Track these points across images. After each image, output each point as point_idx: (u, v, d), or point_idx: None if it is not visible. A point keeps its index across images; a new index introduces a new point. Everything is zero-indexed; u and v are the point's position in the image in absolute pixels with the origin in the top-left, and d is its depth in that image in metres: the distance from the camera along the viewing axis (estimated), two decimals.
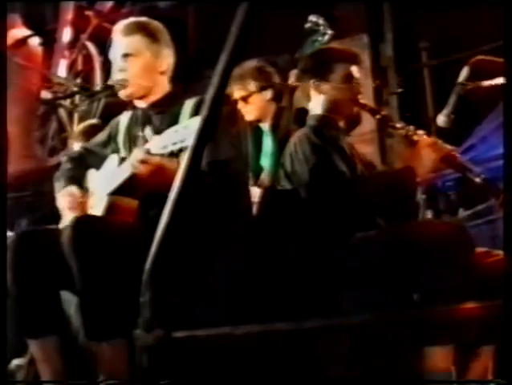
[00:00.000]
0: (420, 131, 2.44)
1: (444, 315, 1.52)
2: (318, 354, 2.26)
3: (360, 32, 4.54)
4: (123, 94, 2.55)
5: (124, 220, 2.37)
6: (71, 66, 5.51)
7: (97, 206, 2.45)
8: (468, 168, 2.39)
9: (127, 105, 2.66)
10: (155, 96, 2.55)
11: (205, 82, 1.51)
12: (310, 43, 3.78)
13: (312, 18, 3.76)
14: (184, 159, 1.45)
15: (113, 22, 2.79)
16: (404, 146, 2.77)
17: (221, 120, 1.54)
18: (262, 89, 3.23)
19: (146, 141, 2.35)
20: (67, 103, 5.25)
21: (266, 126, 3.25)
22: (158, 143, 2.23)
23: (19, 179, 4.69)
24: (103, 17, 5.40)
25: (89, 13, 5.50)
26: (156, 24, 2.62)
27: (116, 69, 2.56)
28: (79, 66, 5.49)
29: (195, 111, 2.43)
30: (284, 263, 2.39)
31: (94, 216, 2.38)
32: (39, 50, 5.78)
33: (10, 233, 2.46)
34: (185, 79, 2.57)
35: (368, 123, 3.07)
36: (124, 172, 2.36)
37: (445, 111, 2.44)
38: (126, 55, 2.53)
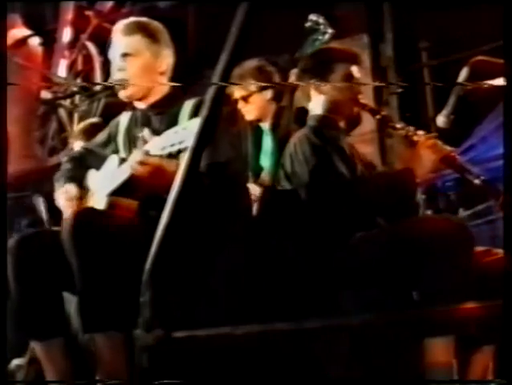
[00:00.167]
0: (421, 132, 2.44)
1: (444, 315, 1.52)
2: (318, 354, 2.26)
3: (360, 32, 4.54)
4: (122, 94, 2.55)
5: (125, 216, 2.37)
6: (71, 66, 5.51)
7: (97, 206, 2.45)
8: (467, 169, 2.39)
9: (126, 105, 2.66)
10: (154, 97, 2.55)
11: (205, 82, 1.50)
12: (310, 42, 3.77)
13: (312, 17, 3.76)
14: (184, 159, 1.45)
15: (113, 22, 2.79)
16: (404, 146, 2.77)
17: (220, 120, 1.54)
18: (262, 89, 3.23)
19: (145, 142, 2.35)
20: (67, 103, 5.26)
21: (266, 125, 3.24)
22: (157, 145, 2.23)
23: (19, 179, 4.68)
24: (103, 17, 5.39)
25: (89, 13, 5.50)
26: (156, 24, 2.61)
27: (116, 69, 2.56)
28: (79, 66, 5.49)
29: (194, 112, 2.42)
30: (284, 263, 2.39)
31: (94, 210, 2.38)
32: (39, 50, 5.78)
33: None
34: (185, 80, 2.57)
35: (368, 123, 3.07)
36: (124, 173, 2.36)
37: (445, 112, 2.44)
38: (125, 55, 2.53)
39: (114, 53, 2.58)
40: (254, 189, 2.71)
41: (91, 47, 5.37)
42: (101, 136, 2.72)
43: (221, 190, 2.37)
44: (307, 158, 2.40)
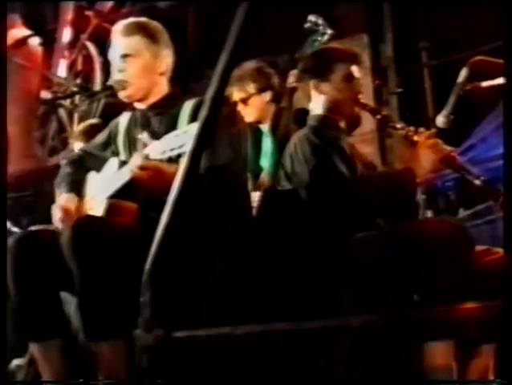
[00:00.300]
0: (422, 129, 2.44)
1: (444, 315, 1.52)
2: (318, 354, 2.26)
3: (360, 32, 4.54)
4: (122, 95, 2.55)
5: (124, 221, 2.37)
6: (71, 66, 5.51)
7: (96, 209, 2.45)
8: (467, 169, 2.39)
9: (126, 105, 2.66)
10: (154, 97, 2.55)
11: (205, 82, 1.51)
12: (309, 43, 3.77)
13: (311, 17, 3.76)
14: (184, 161, 1.45)
15: (113, 22, 2.79)
16: (404, 146, 2.77)
17: (220, 122, 1.54)
18: (261, 90, 3.23)
19: (145, 145, 2.35)
20: (67, 103, 5.25)
21: (265, 127, 3.25)
22: (157, 149, 2.23)
23: (19, 179, 4.69)
24: (103, 17, 5.39)
25: (89, 13, 5.50)
26: (156, 24, 2.61)
27: (116, 69, 2.56)
28: (79, 66, 5.49)
29: (194, 113, 2.42)
30: (284, 263, 2.39)
31: (93, 217, 2.38)
32: (39, 50, 5.78)
33: (14, 229, 2.44)
34: (185, 80, 2.57)
35: (368, 123, 3.07)
36: (123, 176, 2.36)
37: (445, 112, 2.44)
38: (125, 56, 2.53)
39: (114, 54, 2.57)
40: (254, 192, 2.71)
41: (91, 47, 5.37)
42: (101, 137, 2.72)
43: (220, 191, 2.37)
44: (308, 158, 2.40)
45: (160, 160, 2.24)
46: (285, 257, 2.40)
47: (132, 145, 2.55)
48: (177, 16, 5.01)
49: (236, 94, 3.22)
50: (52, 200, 2.63)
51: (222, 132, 2.35)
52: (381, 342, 2.18)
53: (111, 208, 2.39)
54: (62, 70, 5.51)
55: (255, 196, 2.68)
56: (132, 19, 2.65)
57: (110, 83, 2.61)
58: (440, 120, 2.45)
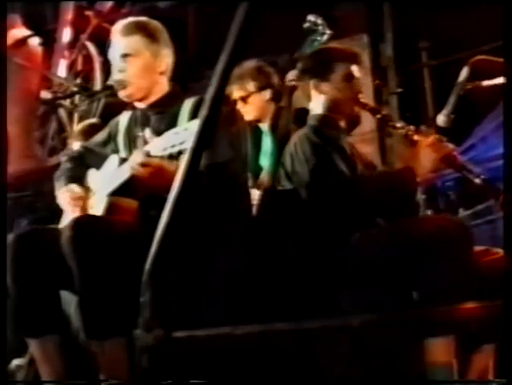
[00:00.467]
0: (423, 127, 2.44)
1: (444, 315, 1.52)
2: (318, 354, 2.26)
3: (360, 32, 4.54)
4: (122, 94, 2.55)
5: (124, 220, 2.37)
6: (71, 66, 5.51)
7: (97, 206, 2.45)
8: (468, 168, 2.39)
9: (126, 105, 2.66)
10: (154, 96, 2.55)
11: (205, 82, 1.50)
12: (308, 43, 3.77)
13: (311, 17, 3.76)
14: (184, 159, 1.45)
15: (113, 22, 2.79)
16: (404, 146, 2.77)
17: (220, 120, 1.54)
18: (261, 89, 3.23)
19: (145, 142, 2.35)
20: (67, 103, 5.25)
21: (265, 126, 3.25)
22: (158, 146, 2.23)
23: (19, 179, 4.68)
24: (103, 17, 5.39)
25: (89, 13, 5.50)
26: (155, 24, 2.61)
27: (116, 69, 2.56)
28: (79, 66, 5.48)
29: (194, 111, 2.42)
30: (284, 263, 2.39)
31: (93, 216, 2.38)
32: (39, 50, 5.78)
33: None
34: (185, 79, 2.57)
35: (368, 122, 3.08)
36: (124, 173, 2.36)
37: (445, 111, 2.44)
38: (125, 55, 2.53)
39: (114, 53, 2.58)
40: (254, 192, 2.71)
41: (91, 47, 5.37)
42: (101, 136, 2.72)
43: (220, 190, 2.37)
44: (308, 157, 2.40)
45: (161, 157, 2.24)
46: (285, 256, 2.40)
47: (132, 144, 2.55)
48: (177, 16, 5.01)
49: (236, 92, 3.22)
50: (52, 200, 2.63)
51: (222, 131, 2.35)
52: (381, 342, 2.18)
53: (111, 206, 2.39)
54: (62, 70, 5.51)
55: (255, 194, 2.68)
56: (131, 19, 2.65)
57: (110, 82, 2.61)
58: (441, 119, 2.45)
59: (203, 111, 1.42)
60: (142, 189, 2.35)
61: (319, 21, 3.69)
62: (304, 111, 2.62)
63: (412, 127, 2.46)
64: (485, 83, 2.41)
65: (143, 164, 2.26)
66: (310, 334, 1.93)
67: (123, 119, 2.64)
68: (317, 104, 2.58)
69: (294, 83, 2.76)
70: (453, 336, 2.15)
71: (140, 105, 2.57)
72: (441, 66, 4.39)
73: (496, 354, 2.33)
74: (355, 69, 2.58)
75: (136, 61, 2.52)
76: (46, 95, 5.33)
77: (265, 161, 3.14)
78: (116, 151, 2.60)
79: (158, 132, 2.35)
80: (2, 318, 2.09)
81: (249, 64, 3.25)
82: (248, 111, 3.23)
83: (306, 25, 3.71)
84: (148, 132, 2.36)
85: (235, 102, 3.19)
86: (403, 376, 2.24)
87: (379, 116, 2.56)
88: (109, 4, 5.47)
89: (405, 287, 2.22)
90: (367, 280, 2.29)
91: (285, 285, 2.36)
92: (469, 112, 3.03)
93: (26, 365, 2.57)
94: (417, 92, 4.53)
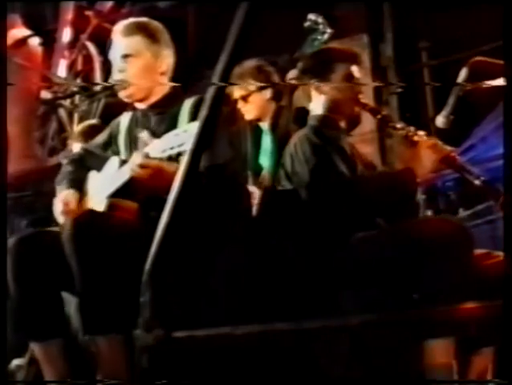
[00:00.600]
0: (421, 132, 2.44)
1: (444, 315, 1.52)
2: (318, 354, 2.26)
3: (360, 32, 4.54)
4: (123, 95, 2.55)
5: (125, 217, 2.37)
6: (71, 66, 5.51)
7: (97, 208, 2.45)
8: (467, 169, 2.39)
9: (127, 105, 2.66)
10: (155, 97, 2.55)
11: (205, 82, 1.51)
12: (309, 42, 3.77)
13: (311, 16, 3.76)
14: (184, 160, 1.45)
15: (113, 22, 2.80)
16: (404, 146, 2.77)
17: (220, 120, 1.54)
18: (261, 88, 3.23)
19: (146, 143, 2.35)
20: (67, 103, 5.25)
21: (265, 125, 3.25)
22: (157, 147, 2.23)
23: (19, 179, 4.68)
24: (103, 17, 5.39)
25: (89, 13, 5.50)
26: (156, 24, 2.61)
27: (116, 70, 2.56)
28: (79, 66, 5.49)
29: (194, 111, 2.42)
30: (284, 263, 2.39)
31: (94, 213, 2.38)
32: (39, 50, 5.78)
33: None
34: (185, 79, 2.57)
35: (368, 123, 3.07)
36: (124, 175, 2.36)
37: (444, 112, 2.44)
38: (126, 56, 2.53)
39: (114, 54, 2.57)
40: (254, 192, 2.71)
41: (91, 47, 5.37)
42: (101, 137, 2.72)
43: (220, 190, 2.37)
44: (308, 158, 2.40)
45: (161, 159, 2.24)
46: (285, 256, 2.40)
47: (133, 144, 2.55)
48: (177, 16, 5.01)
49: (236, 91, 3.22)
50: (52, 200, 2.63)
51: (222, 131, 2.35)
52: (381, 342, 2.18)
53: (111, 208, 2.39)
54: (62, 70, 5.51)
55: (255, 193, 2.68)
56: (132, 19, 2.65)
57: (110, 82, 2.60)
58: (440, 120, 2.45)
59: (203, 112, 1.42)
60: (142, 191, 2.35)
61: (320, 20, 3.69)
62: (304, 111, 2.62)
63: (412, 128, 2.46)
64: (485, 83, 2.40)
65: (142, 166, 2.26)
66: (310, 334, 1.93)
67: (124, 120, 2.64)
68: (317, 104, 2.58)
69: (294, 82, 2.75)
70: (453, 338, 2.15)
71: (141, 105, 2.57)
72: (441, 66, 4.39)
73: (496, 356, 2.33)
74: (355, 69, 2.58)
75: (137, 61, 2.52)
76: (46, 95, 5.34)
77: (265, 160, 3.14)
78: (117, 152, 2.59)
79: (158, 133, 2.35)
80: (2, 318, 2.09)
81: (250, 63, 3.25)
82: (248, 111, 3.23)
83: (307, 24, 3.71)
84: (146, 134, 2.37)
85: (235, 101, 3.19)
86: (403, 376, 2.24)
87: (379, 117, 2.56)
88: (109, 4, 5.47)
89: (405, 288, 2.22)
90: (367, 280, 2.29)
91: (285, 285, 2.36)
92: (469, 113, 3.04)
93: (26, 365, 2.58)
94: (417, 92, 4.53)
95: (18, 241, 2.31)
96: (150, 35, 2.55)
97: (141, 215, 2.36)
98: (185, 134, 2.14)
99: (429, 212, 3.67)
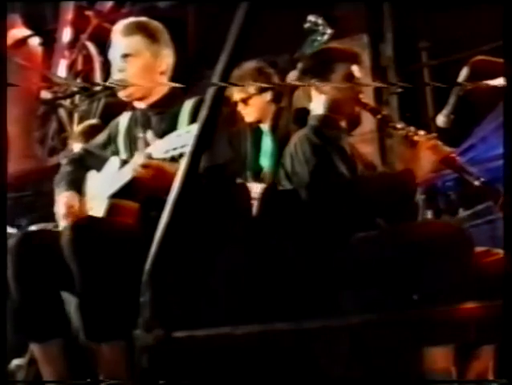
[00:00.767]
0: (421, 132, 2.44)
1: (444, 315, 1.52)
2: (318, 354, 2.26)
3: (360, 32, 4.54)
4: (122, 94, 2.55)
5: (124, 221, 2.37)
6: (71, 66, 5.51)
7: (97, 209, 2.45)
8: (467, 170, 2.39)
9: (126, 105, 2.66)
10: (154, 97, 2.55)
11: (205, 82, 1.50)
12: (309, 43, 3.77)
13: (311, 17, 3.76)
14: (184, 160, 1.45)
15: (113, 22, 2.79)
16: (404, 147, 2.77)
17: (220, 121, 1.54)
18: (261, 90, 3.23)
19: (146, 143, 2.35)
20: (67, 103, 5.26)
21: (265, 126, 3.25)
22: (160, 148, 2.23)
23: (19, 179, 4.69)
24: (103, 17, 5.39)
25: (89, 13, 5.50)
26: (156, 24, 2.61)
27: (116, 69, 2.56)
28: (79, 66, 5.49)
29: (194, 112, 2.42)
30: (284, 263, 2.38)
31: (94, 218, 2.38)
32: (39, 50, 5.78)
33: (11, 230, 2.44)
34: (185, 79, 2.57)
35: (368, 123, 3.07)
36: (125, 175, 2.36)
37: (445, 112, 2.44)
38: (125, 56, 2.52)
39: (114, 54, 2.57)
40: (254, 187, 2.71)
41: (91, 47, 5.37)
42: (101, 137, 2.72)
43: (220, 190, 2.37)
44: (308, 158, 2.40)
45: (163, 160, 2.24)
46: (285, 256, 2.39)
47: (132, 145, 2.55)
48: (177, 16, 5.01)
49: (236, 94, 3.22)
50: (52, 200, 2.63)
51: (222, 132, 2.35)
52: (381, 342, 2.18)
53: (112, 208, 2.39)
54: (62, 70, 5.51)
55: (257, 188, 2.68)
56: (132, 19, 2.65)
57: (110, 82, 2.60)
58: (441, 120, 2.45)
59: (203, 112, 1.42)
60: (143, 191, 2.35)
61: (320, 21, 3.70)
62: (305, 111, 2.62)
63: (412, 129, 2.46)
64: (485, 83, 2.40)
65: (144, 166, 2.26)
66: (310, 334, 1.93)
67: (124, 119, 2.64)
68: (318, 104, 2.58)
69: (294, 83, 2.75)
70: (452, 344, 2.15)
71: (140, 105, 2.57)
72: (441, 66, 4.39)
73: (496, 355, 2.33)
74: (355, 69, 2.58)
75: (137, 61, 2.52)
76: (46, 95, 5.34)
77: (265, 161, 3.14)
78: (116, 152, 2.59)
79: (158, 133, 2.35)
80: (2, 318, 2.09)
81: (250, 65, 3.25)
82: (249, 113, 3.24)
83: (307, 25, 3.72)
84: (150, 134, 2.36)
85: (236, 103, 3.20)
86: (403, 376, 2.24)
87: (379, 117, 2.56)
88: (109, 4, 5.48)
89: (405, 288, 2.22)
90: (367, 280, 2.29)
91: (285, 285, 2.36)
92: (469, 112, 3.04)
93: (26, 365, 2.57)
94: (417, 92, 4.53)
95: (18, 240, 2.31)
96: (150, 35, 2.55)
97: (142, 215, 2.36)
98: (188, 135, 2.13)
99: (429, 212, 3.67)
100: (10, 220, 3.47)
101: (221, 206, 2.38)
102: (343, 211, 2.34)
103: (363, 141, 3.41)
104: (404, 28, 4.57)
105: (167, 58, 2.58)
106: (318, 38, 3.72)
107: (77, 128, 4.18)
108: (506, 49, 1.65)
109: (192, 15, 5.27)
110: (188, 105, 2.47)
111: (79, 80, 5.33)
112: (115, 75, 2.56)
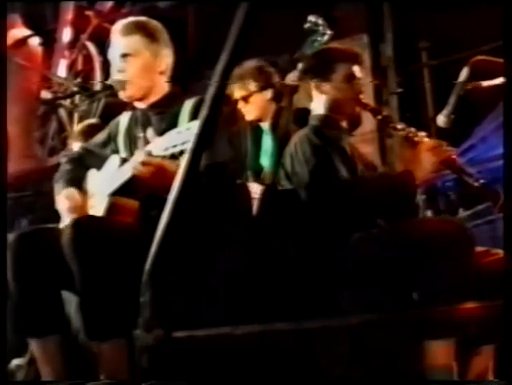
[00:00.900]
0: (422, 133, 2.44)
1: (444, 315, 1.52)
2: (318, 354, 2.26)
3: (360, 32, 4.54)
4: (122, 94, 2.54)
5: (124, 220, 2.37)
6: (71, 66, 5.51)
7: (98, 207, 2.45)
8: (467, 172, 2.39)
9: (126, 105, 2.66)
10: (154, 97, 2.55)
11: (205, 82, 1.50)
12: (309, 43, 3.77)
13: (311, 18, 3.76)
14: (184, 160, 1.45)
15: (113, 22, 2.79)
16: (404, 147, 2.77)
17: (220, 120, 1.54)
18: (262, 89, 3.23)
19: (147, 142, 2.35)
20: (67, 103, 5.26)
21: (266, 125, 3.25)
22: (160, 146, 2.23)
23: (19, 179, 4.69)
24: (103, 17, 5.39)
25: (89, 13, 5.50)
26: (155, 24, 2.61)
27: (115, 69, 2.56)
28: (79, 66, 5.49)
29: (194, 111, 2.42)
30: (284, 263, 2.39)
31: (94, 217, 2.38)
32: (39, 50, 5.78)
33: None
34: (185, 79, 2.57)
35: (369, 123, 3.07)
36: (125, 173, 2.36)
37: (445, 112, 2.44)
38: (125, 55, 2.52)
39: (113, 53, 2.57)
40: (254, 188, 2.71)
41: (91, 47, 5.37)
42: (101, 136, 2.72)
43: (220, 190, 2.37)
44: (308, 158, 2.40)
45: (163, 157, 2.24)
46: (285, 256, 2.40)
47: (132, 144, 2.55)
48: (177, 16, 5.01)
49: (237, 92, 3.22)
50: (52, 201, 2.63)
51: (222, 131, 2.35)
52: (381, 342, 2.18)
53: (112, 206, 2.39)
54: (62, 70, 5.52)
55: (257, 188, 2.68)
56: (131, 19, 2.65)
57: (109, 82, 2.60)
58: (441, 120, 2.44)
59: (203, 111, 1.42)
60: (143, 189, 2.35)
61: (320, 21, 3.69)
62: (305, 111, 2.62)
63: (412, 129, 2.46)
64: (485, 83, 2.40)
65: (144, 163, 2.26)
66: (310, 334, 1.93)
67: (124, 119, 2.64)
68: (318, 104, 2.58)
69: (295, 82, 2.75)
70: (453, 339, 2.15)
71: (140, 105, 2.57)
72: (441, 66, 4.39)
73: (496, 355, 2.33)
74: (356, 69, 2.58)
75: (136, 61, 2.52)
76: (46, 95, 5.34)
77: (265, 160, 3.14)
78: (116, 151, 2.59)
79: (159, 133, 2.35)
80: (2, 318, 2.09)
81: (250, 64, 3.25)
82: (249, 111, 3.23)
83: (307, 25, 3.71)
84: (150, 132, 2.36)
85: (236, 102, 3.20)
86: (403, 376, 2.24)
87: (379, 117, 2.56)
88: (109, 4, 5.48)
89: (405, 288, 2.22)
90: (367, 280, 2.29)
91: (285, 285, 2.36)
92: (469, 112, 3.03)
93: (26, 365, 2.58)
94: (417, 92, 4.53)
95: (17, 237, 2.31)
96: (149, 34, 2.55)
97: (142, 214, 2.36)
98: (188, 132, 2.13)
99: (429, 213, 3.68)
100: (10, 221, 3.47)
101: (221, 206, 2.38)
102: (343, 211, 2.34)
103: (363, 141, 3.41)
104: (404, 28, 4.57)
105: (166, 57, 2.58)
106: (319, 39, 3.72)
107: (77, 128, 4.18)
108: (506, 49, 1.66)
109: (192, 15, 5.27)
110: (188, 105, 2.47)
111: (79, 80, 5.33)
112: (115, 75, 2.56)
